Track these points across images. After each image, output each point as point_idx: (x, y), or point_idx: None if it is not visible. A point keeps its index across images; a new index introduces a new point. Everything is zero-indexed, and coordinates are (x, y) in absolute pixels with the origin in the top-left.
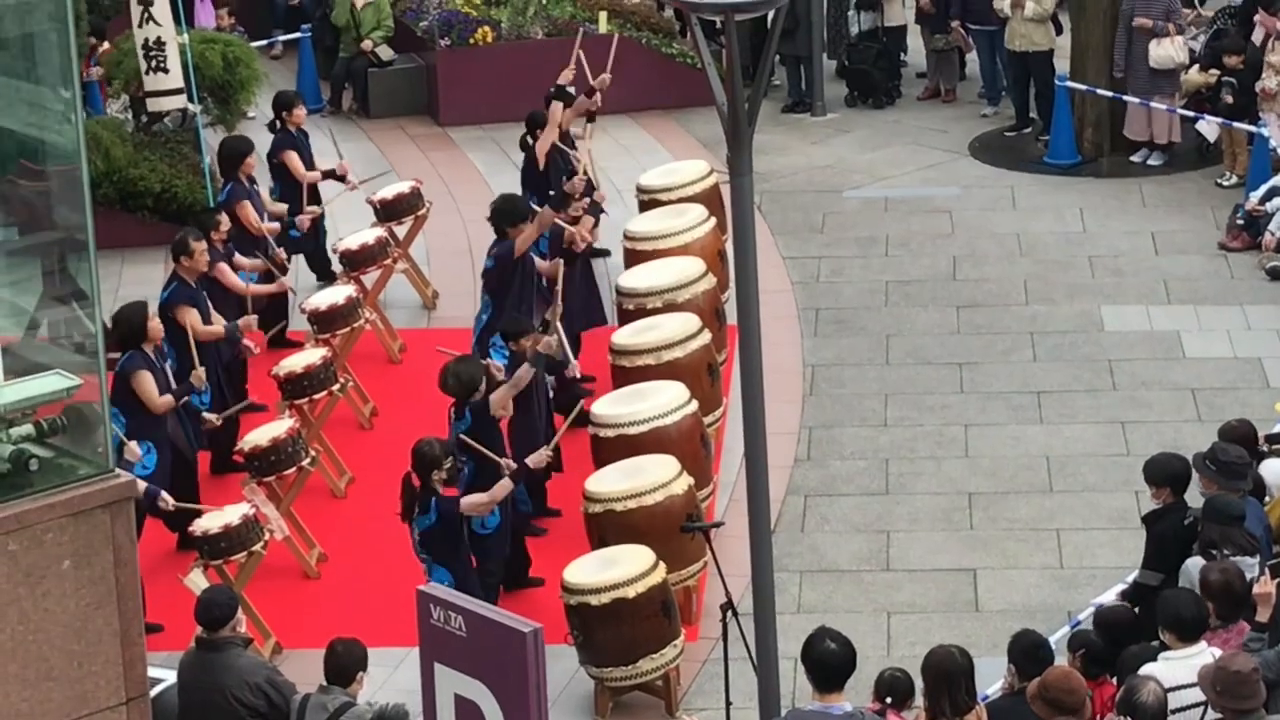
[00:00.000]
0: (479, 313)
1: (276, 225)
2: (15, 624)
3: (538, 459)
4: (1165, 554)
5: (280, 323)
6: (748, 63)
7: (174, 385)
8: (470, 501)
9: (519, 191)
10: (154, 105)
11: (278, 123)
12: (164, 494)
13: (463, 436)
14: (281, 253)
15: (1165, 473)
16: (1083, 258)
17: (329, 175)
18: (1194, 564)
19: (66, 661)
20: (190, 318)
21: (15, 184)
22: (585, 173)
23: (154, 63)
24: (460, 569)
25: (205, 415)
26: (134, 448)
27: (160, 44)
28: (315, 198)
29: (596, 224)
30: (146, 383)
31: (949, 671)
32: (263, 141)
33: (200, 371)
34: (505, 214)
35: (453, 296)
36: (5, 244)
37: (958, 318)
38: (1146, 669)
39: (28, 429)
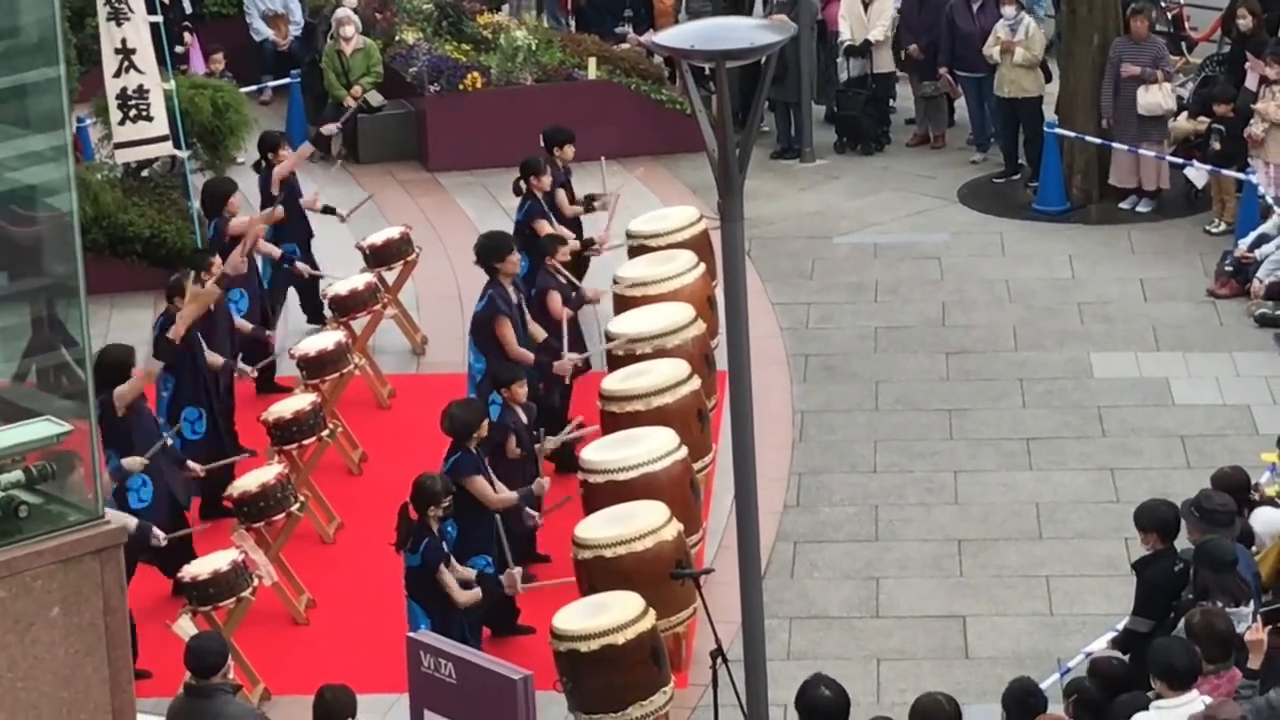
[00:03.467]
0: (470, 362)
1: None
2: (4, 671)
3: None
4: (1155, 600)
5: (268, 362)
6: (737, 108)
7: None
8: (449, 587)
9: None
10: (130, 155)
11: (263, 163)
12: (157, 531)
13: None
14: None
15: (1154, 519)
16: (1072, 304)
17: (328, 210)
18: None
19: (55, 709)
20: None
21: (4, 229)
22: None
23: (133, 111)
24: (438, 611)
25: (190, 465)
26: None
27: (143, 92)
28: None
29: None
30: None
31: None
32: (248, 185)
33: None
34: (491, 250)
35: (442, 342)
36: None
37: (947, 364)
38: (1138, 718)
39: (17, 475)
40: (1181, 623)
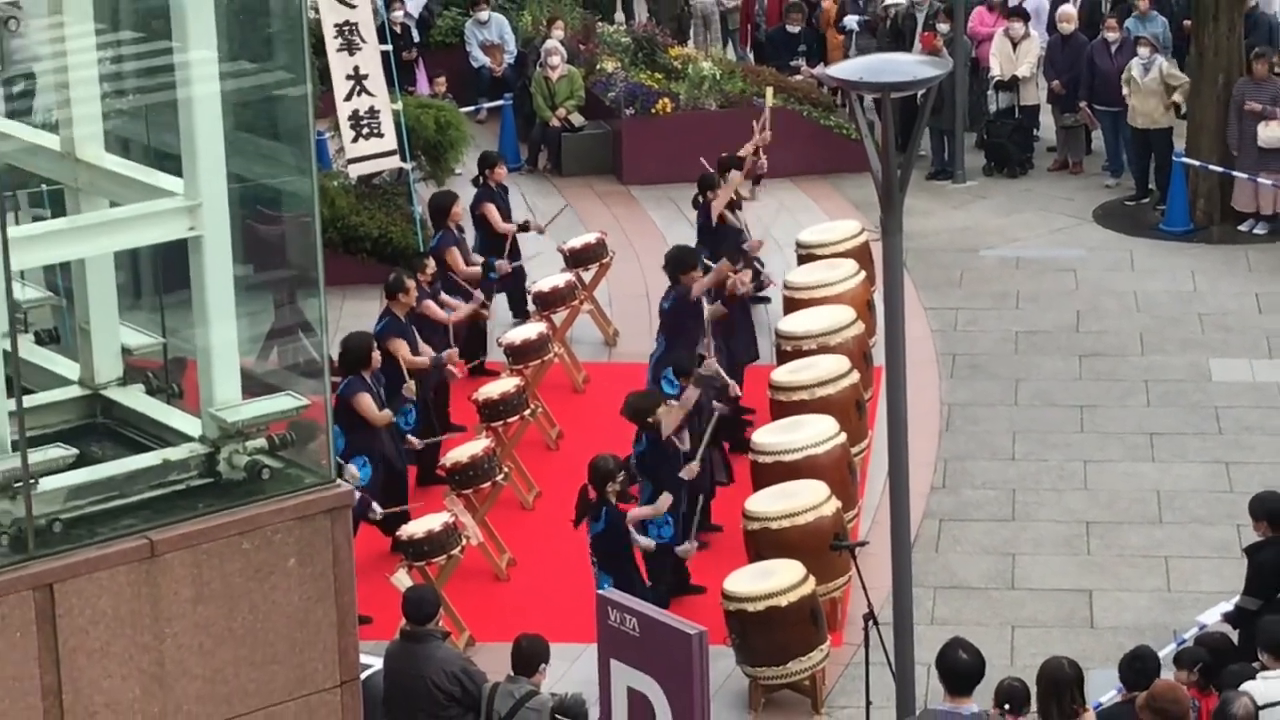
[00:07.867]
0: (655, 350)
1: (478, 269)
2: (246, 613)
3: (690, 471)
4: (1264, 582)
5: (480, 355)
6: (898, 134)
7: (386, 406)
8: (636, 513)
9: (694, 244)
10: (361, 169)
11: (480, 178)
12: (374, 505)
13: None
14: (479, 295)
15: (1266, 508)
16: (1193, 315)
17: (523, 228)
18: None
19: (289, 647)
20: (400, 349)
21: (254, 227)
22: (746, 230)
23: (365, 129)
24: (624, 574)
25: (409, 438)
26: (352, 469)
27: (373, 112)
28: (515, 249)
29: (756, 275)
30: (367, 403)
31: (1058, 680)
32: (466, 195)
33: (410, 384)
34: (678, 262)
35: (631, 335)
36: (244, 279)
37: (1080, 366)
38: (1245, 686)
39: (261, 442)
40: None
